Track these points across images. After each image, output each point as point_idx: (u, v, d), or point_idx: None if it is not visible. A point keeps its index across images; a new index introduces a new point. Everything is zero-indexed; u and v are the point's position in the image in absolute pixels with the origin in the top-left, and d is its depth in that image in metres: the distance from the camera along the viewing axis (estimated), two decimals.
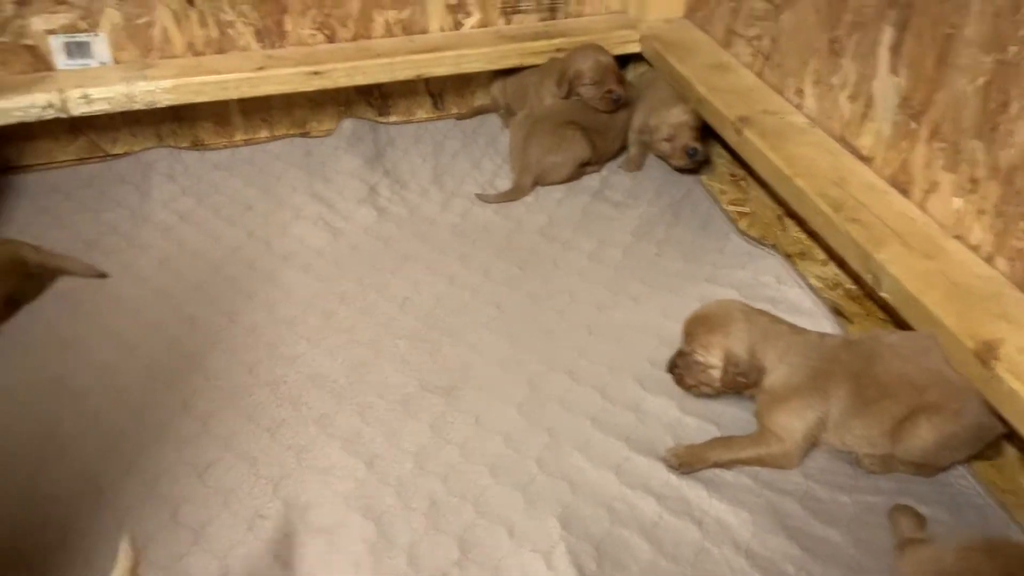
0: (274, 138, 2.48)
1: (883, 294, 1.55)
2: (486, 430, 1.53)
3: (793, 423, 1.43)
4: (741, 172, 2.27)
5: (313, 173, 2.32)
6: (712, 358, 1.47)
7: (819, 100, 1.94)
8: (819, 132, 1.92)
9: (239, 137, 2.49)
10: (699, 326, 1.50)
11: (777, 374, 1.45)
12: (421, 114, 2.59)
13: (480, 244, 2.05)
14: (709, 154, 2.27)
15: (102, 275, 1.94)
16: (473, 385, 1.63)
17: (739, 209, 2.15)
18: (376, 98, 2.54)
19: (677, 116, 2.18)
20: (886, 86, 1.72)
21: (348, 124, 2.47)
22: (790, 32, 2.02)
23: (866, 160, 1.80)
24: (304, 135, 2.50)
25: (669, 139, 2.19)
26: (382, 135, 2.47)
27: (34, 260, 1.86)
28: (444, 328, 1.78)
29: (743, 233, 2.04)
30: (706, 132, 2.21)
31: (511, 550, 1.31)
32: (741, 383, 1.47)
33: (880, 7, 1.71)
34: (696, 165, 2.21)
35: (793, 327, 1.50)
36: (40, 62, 2.23)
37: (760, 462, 1.44)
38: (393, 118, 2.57)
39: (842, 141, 1.87)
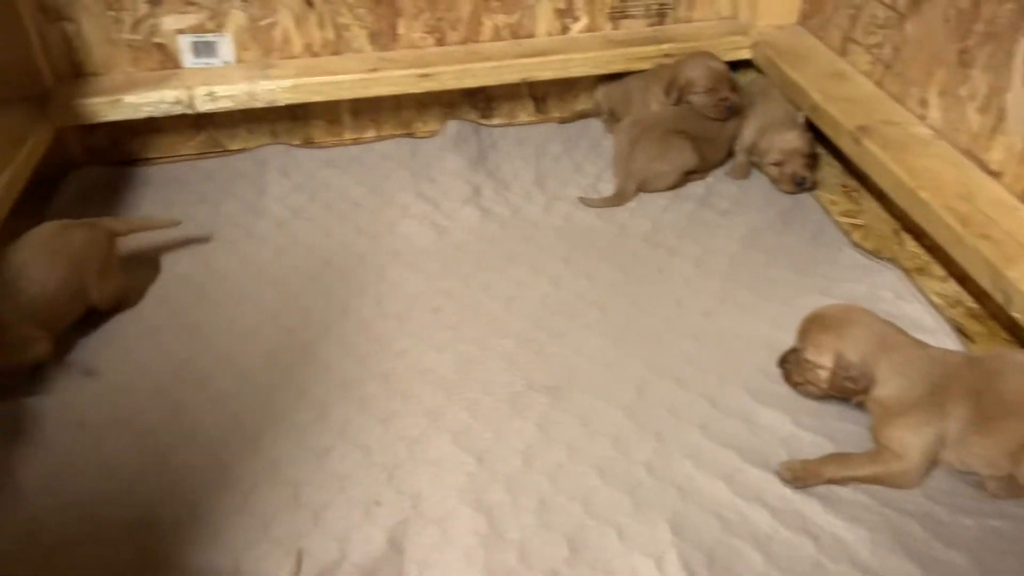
0: (381, 138, 2.55)
1: (1014, 313, 1.49)
2: (593, 432, 1.54)
3: (910, 439, 1.39)
4: (854, 183, 2.21)
5: (418, 173, 2.38)
6: (822, 359, 1.45)
7: (945, 111, 1.88)
8: (944, 144, 1.86)
9: (348, 136, 2.57)
10: (814, 324, 1.48)
11: (891, 386, 1.42)
12: (523, 117, 2.62)
13: (583, 248, 2.06)
14: (818, 181, 2.22)
15: (175, 222, 2.04)
16: (579, 386, 1.64)
17: (852, 221, 2.10)
18: (480, 101, 2.58)
19: (790, 142, 2.14)
20: (1020, 99, 1.65)
21: (453, 126, 2.51)
22: (915, 41, 1.96)
23: (995, 175, 1.74)
24: (410, 135, 2.56)
25: (778, 164, 2.16)
26: (485, 137, 2.51)
27: (123, 229, 1.95)
28: (549, 329, 1.80)
29: (857, 245, 1.99)
30: (817, 135, 2.16)
31: (621, 552, 1.31)
32: (849, 388, 1.44)
33: (1015, 18, 1.65)
34: (802, 191, 2.17)
35: (915, 341, 1.45)
36: (169, 60, 2.35)
37: (878, 480, 1.40)
38: (496, 121, 2.61)
39: (969, 155, 1.81)
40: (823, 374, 1.46)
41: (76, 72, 2.31)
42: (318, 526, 1.39)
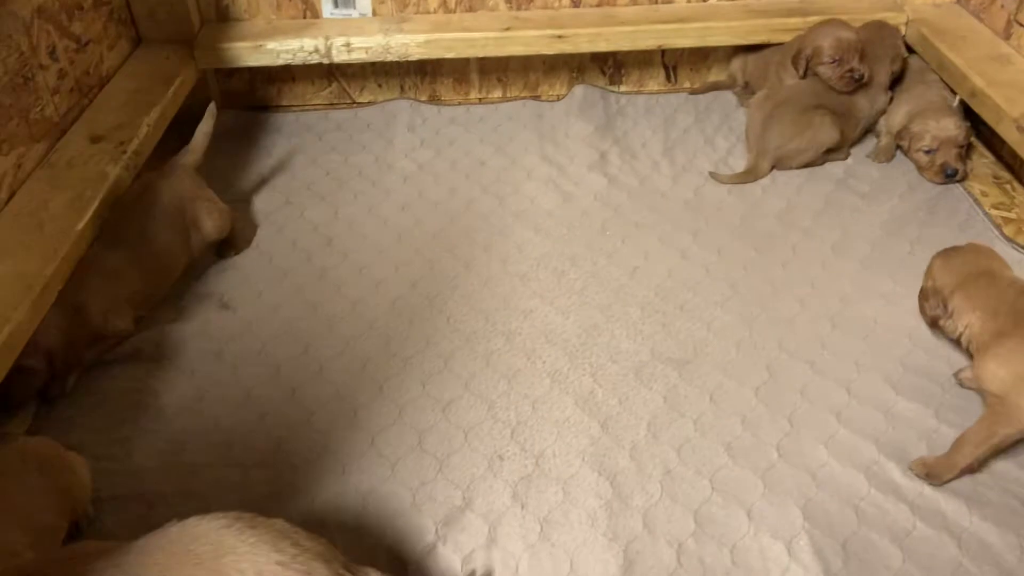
0: (507, 99, 2.54)
1: None
2: (721, 409, 1.50)
3: (1002, 372, 1.33)
4: (1007, 175, 2.07)
5: (544, 136, 2.36)
6: (923, 284, 1.55)
7: None
8: None
9: (474, 95, 2.56)
10: (936, 254, 1.56)
11: (974, 319, 1.43)
12: (653, 86, 2.56)
13: (713, 222, 2.00)
14: (968, 173, 2.09)
15: (213, 114, 1.99)
16: (707, 362, 1.60)
17: (1004, 214, 1.97)
18: (609, 66, 2.53)
19: (946, 130, 2.02)
20: None
21: (580, 90, 2.48)
22: None
23: None
24: (535, 98, 2.54)
25: (929, 152, 2.04)
26: (612, 104, 2.47)
27: (196, 157, 1.92)
28: (677, 301, 1.76)
29: (1010, 240, 1.87)
30: (972, 123, 2.03)
31: (749, 532, 1.28)
32: (927, 313, 1.54)
33: None
34: (950, 183, 2.05)
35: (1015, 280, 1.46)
36: (309, 9, 2.39)
37: (993, 434, 1.32)
38: (624, 88, 2.55)
39: None
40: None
41: (222, 17, 2.38)
42: (442, 473, 1.41)
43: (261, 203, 2.13)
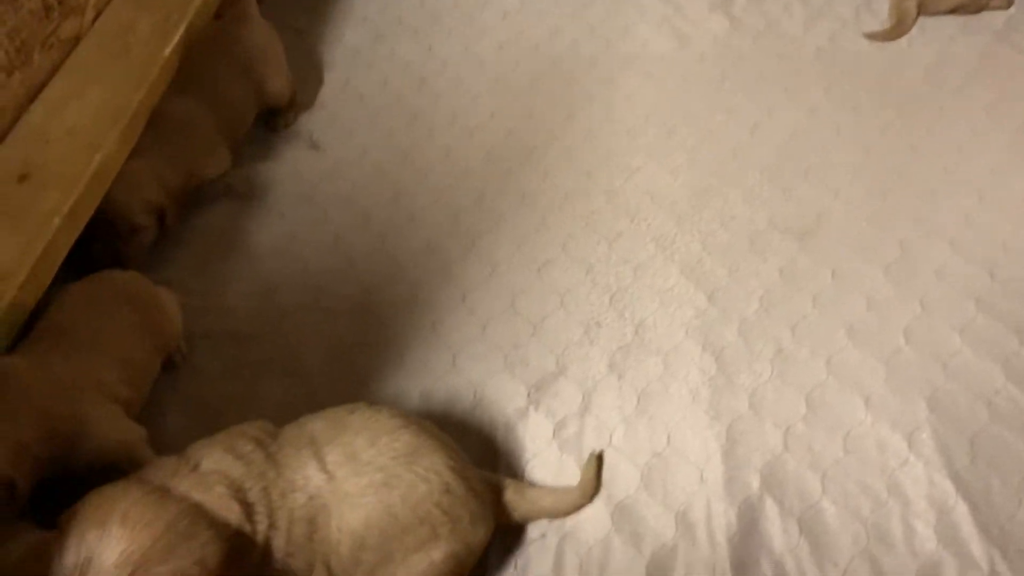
0: None
1: None
2: (845, 287, 1.37)
3: None
4: None
5: None
6: None
7: None
8: None
9: None
10: None
11: None
12: None
13: (849, 76, 1.77)
14: None
15: None
16: (832, 235, 1.45)
17: None
18: None
19: None
20: None
21: None
22: None
23: None
24: None
25: None
26: None
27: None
28: (801, 165, 1.59)
29: None
30: None
31: (866, 420, 1.19)
32: None
33: None
34: None
35: None
36: None
37: None
38: None
39: None
40: None
41: None
42: (536, 337, 1.34)
43: (350, 36, 2.00)
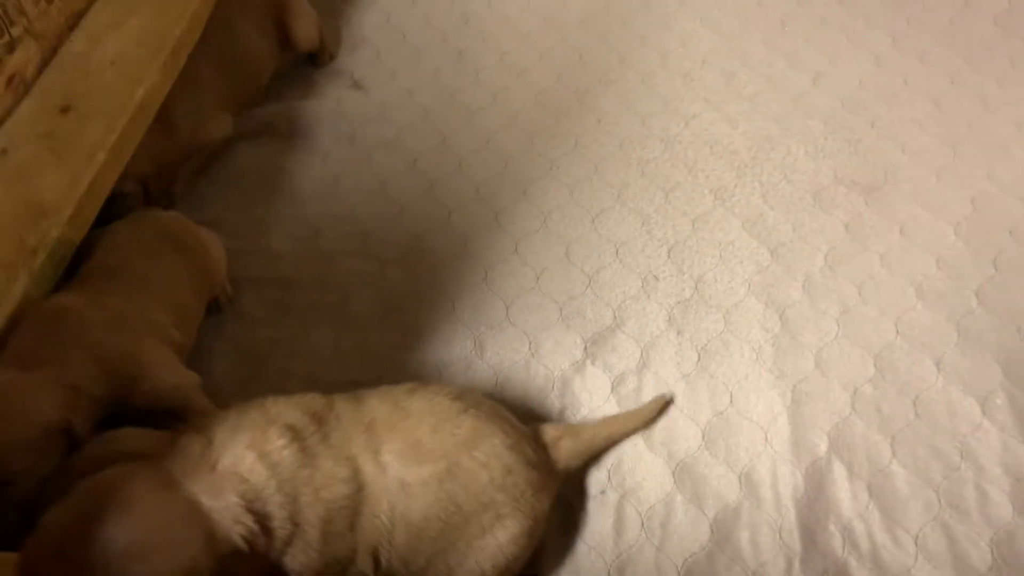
0: None
1: None
2: (914, 244, 1.32)
3: None
4: None
5: None
6: None
7: None
8: None
9: None
10: None
11: None
12: None
13: (916, 23, 1.69)
14: None
15: None
16: (900, 190, 1.39)
17: None
18: None
19: None
20: None
21: None
22: None
23: None
24: None
25: None
26: None
27: None
28: (866, 115, 1.52)
29: None
30: None
31: (937, 384, 1.15)
32: None
33: None
34: None
35: None
36: None
37: None
38: None
39: None
40: None
41: None
42: (591, 289, 1.30)
43: None
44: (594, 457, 1.08)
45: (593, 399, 1.16)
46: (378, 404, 0.93)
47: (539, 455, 0.98)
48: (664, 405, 1.13)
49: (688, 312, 1.25)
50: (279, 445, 0.85)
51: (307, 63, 1.71)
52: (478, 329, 1.26)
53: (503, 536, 0.92)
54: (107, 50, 1.36)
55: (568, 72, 1.67)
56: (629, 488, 1.07)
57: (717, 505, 1.05)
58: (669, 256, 1.33)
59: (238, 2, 1.55)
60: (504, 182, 1.47)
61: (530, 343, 1.24)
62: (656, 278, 1.30)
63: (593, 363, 1.21)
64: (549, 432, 1.02)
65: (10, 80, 1.25)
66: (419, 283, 1.33)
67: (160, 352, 1.06)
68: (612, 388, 1.17)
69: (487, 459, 0.91)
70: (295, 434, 0.86)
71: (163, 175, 1.42)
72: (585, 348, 1.22)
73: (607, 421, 1.09)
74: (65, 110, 1.26)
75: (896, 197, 1.38)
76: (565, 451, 1.01)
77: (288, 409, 0.89)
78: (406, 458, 0.89)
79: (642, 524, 1.04)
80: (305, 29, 1.62)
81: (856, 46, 1.65)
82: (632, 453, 1.10)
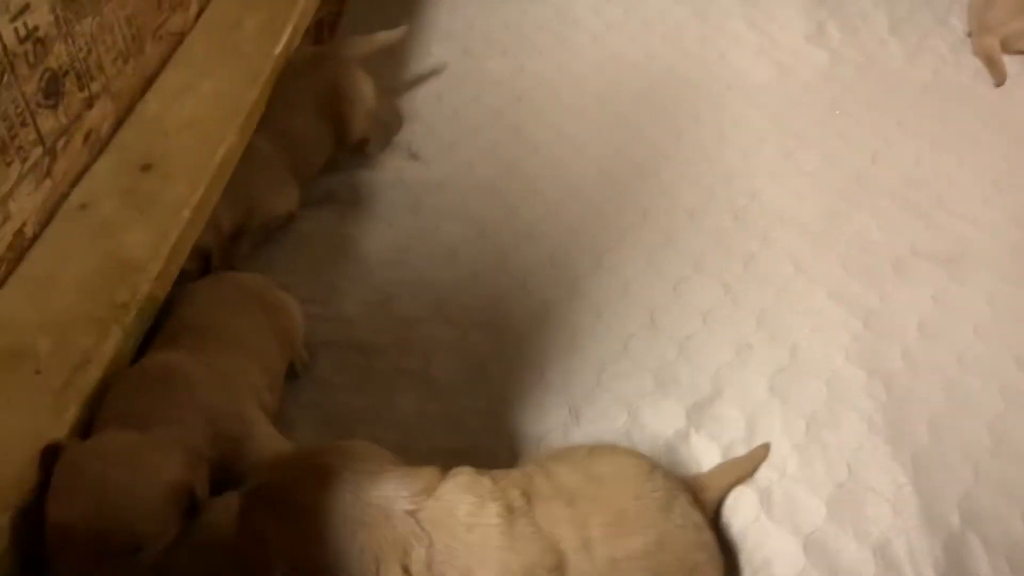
0: None
1: None
2: (1002, 316, 1.31)
3: None
4: None
5: (747, 1, 2.09)
6: None
7: None
8: None
9: None
10: None
11: None
12: None
13: (960, 110, 1.75)
14: None
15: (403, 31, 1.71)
16: (978, 263, 1.40)
17: None
18: None
19: None
20: None
21: None
22: None
23: None
24: None
25: None
26: None
27: (362, 51, 1.65)
28: (930, 193, 1.54)
29: None
30: None
31: None
32: None
33: None
34: None
35: None
36: None
37: None
38: None
39: None
40: None
41: None
42: (684, 356, 1.26)
43: (437, 50, 1.95)
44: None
45: (704, 468, 1.11)
46: (569, 474, 0.86)
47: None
48: (766, 452, 1.09)
49: (789, 381, 1.22)
50: (493, 523, 0.78)
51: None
52: (572, 395, 1.20)
53: None
54: (183, 112, 1.34)
55: (626, 147, 1.68)
56: (759, 565, 1.01)
57: None
58: (759, 325, 1.31)
59: (303, 87, 1.52)
60: (577, 251, 1.45)
61: (628, 410, 1.19)
62: (750, 346, 1.27)
63: (697, 431, 1.16)
64: (693, 482, 0.97)
65: (87, 136, 1.21)
66: (503, 348, 1.28)
67: (259, 415, 0.98)
68: (723, 457, 1.12)
69: (683, 520, 0.85)
70: (510, 513, 0.79)
71: (226, 248, 1.37)
72: (688, 416, 1.17)
73: (726, 470, 1.05)
74: (146, 168, 1.22)
75: (975, 269, 1.39)
76: (706, 499, 0.96)
77: (511, 487, 0.82)
78: (614, 533, 0.81)
79: None
80: (360, 129, 1.58)
81: (906, 131, 1.69)
82: (756, 528, 1.04)
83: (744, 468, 1.06)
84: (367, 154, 1.65)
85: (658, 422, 1.17)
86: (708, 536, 0.88)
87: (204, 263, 1.32)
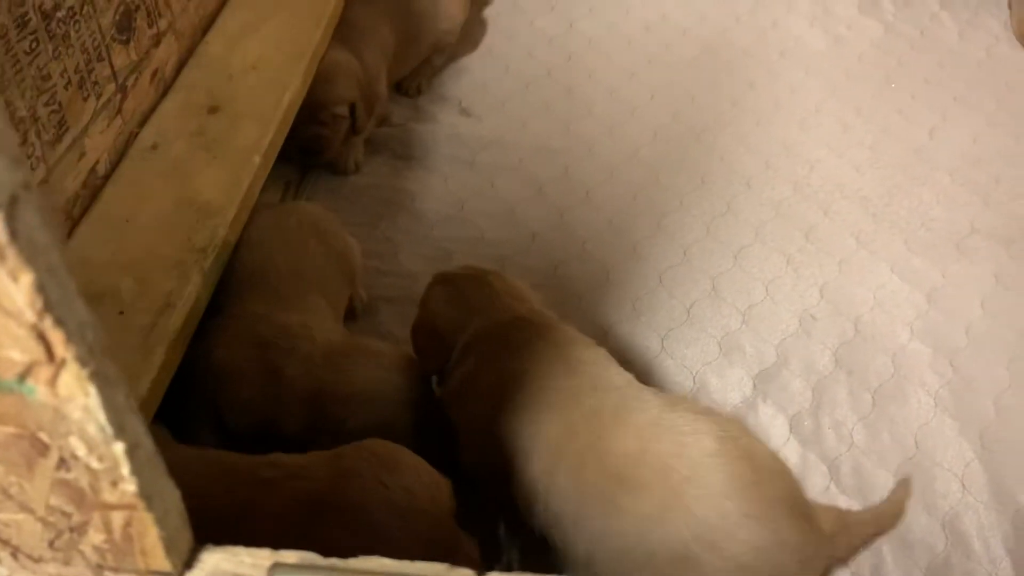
0: None
1: None
2: None
3: None
4: None
5: None
6: None
7: None
8: None
9: None
10: None
11: None
12: None
13: (1015, 89, 1.73)
14: None
15: None
16: None
17: None
18: None
19: None
20: None
21: None
22: None
23: None
24: None
25: None
26: None
27: None
28: (990, 171, 1.53)
29: None
30: None
31: None
32: None
33: None
34: None
35: None
36: None
37: None
38: None
39: None
40: None
41: None
42: (747, 325, 1.26)
43: (486, 4, 1.91)
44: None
45: (773, 439, 1.11)
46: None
47: None
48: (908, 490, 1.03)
49: (854, 354, 1.22)
50: None
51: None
52: (636, 360, 1.20)
53: None
54: (246, 54, 1.30)
55: (683, 112, 1.66)
56: None
57: (926, 555, 1.00)
58: (821, 297, 1.30)
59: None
60: (636, 214, 1.44)
61: (694, 377, 1.18)
62: (813, 318, 1.27)
63: (764, 401, 1.15)
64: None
65: (154, 74, 1.18)
66: (566, 309, 1.26)
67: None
68: (791, 428, 1.12)
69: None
70: None
71: (363, 109, 1.42)
72: (754, 385, 1.17)
73: (878, 515, 0.99)
74: (213, 110, 1.19)
75: None
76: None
77: None
78: None
79: (852, 572, 0.98)
80: (453, 17, 1.65)
81: (963, 107, 1.67)
82: (825, 499, 1.04)
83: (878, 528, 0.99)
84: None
85: (724, 389, 1.17)
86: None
87: (351, 112, 1.40)
